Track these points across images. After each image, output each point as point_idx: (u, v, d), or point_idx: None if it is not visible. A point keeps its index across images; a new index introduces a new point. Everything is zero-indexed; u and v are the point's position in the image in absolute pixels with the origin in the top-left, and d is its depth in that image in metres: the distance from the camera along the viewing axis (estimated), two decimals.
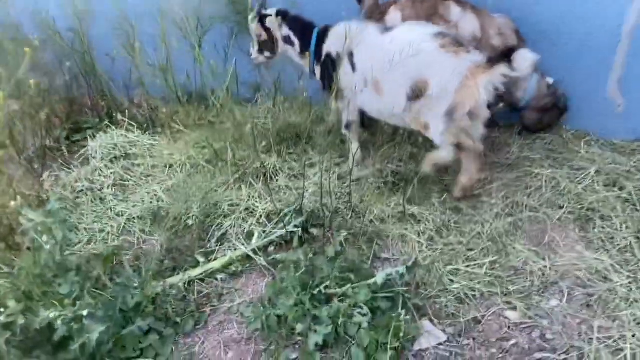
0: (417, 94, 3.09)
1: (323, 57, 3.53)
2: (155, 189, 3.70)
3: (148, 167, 3.92)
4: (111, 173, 3.85)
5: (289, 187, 3.56)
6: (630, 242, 3.05)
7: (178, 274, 3.04)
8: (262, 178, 3.55)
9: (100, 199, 3.69)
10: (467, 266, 2.98)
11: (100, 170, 3.87)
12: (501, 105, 3.57)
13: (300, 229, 3.16)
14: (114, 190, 3.75)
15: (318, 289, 2.74)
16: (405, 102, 3.16)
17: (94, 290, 2.68)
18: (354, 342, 2.55)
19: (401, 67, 3.01)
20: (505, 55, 2.86)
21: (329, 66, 3.44)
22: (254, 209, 3.38)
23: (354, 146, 3.66)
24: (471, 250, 3.08)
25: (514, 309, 2.76)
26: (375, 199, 3.39)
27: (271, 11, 3.68)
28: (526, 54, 2.82)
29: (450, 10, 3.46)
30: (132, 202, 3.63)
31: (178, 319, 2.79)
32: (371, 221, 3.27)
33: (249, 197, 3.46)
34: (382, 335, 2.53)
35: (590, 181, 3.46)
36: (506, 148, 3.89)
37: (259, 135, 3.63)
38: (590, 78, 3.82)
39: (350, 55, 3.37)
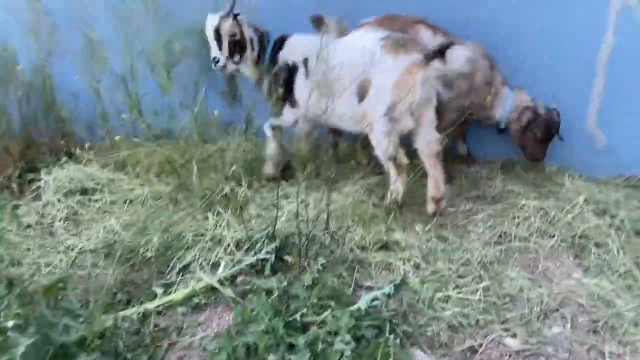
0: (363, 94, 3.18)
1: (278, 66, 3.47)
2: (111, 224, 3.35)
3: (106, 203, 3.59)
4: (64, 207, 3.50)
5: (260, 216, 3.27)
6: (630, 268, 2.85)
7: (133, 307, 2.65)
8: (230, 206, 3.25)
9: (50, 233, 3.33)
10: (459, 292, 2.69)
11: (53, 204, 3.52)
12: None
13: (272, 255, 2.85)
14: (66, 224, 3.39)
15: (293, 317, 2.40)
16: (357, 103, 3.22)
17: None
18: None
19: (352, 70, 3.02)
20: (441, 53, 3.03)
21: (283, 75, 3.40)
22: (221, 238, 3.06)
23: (270, 147, 3.69)
24: (461, 277, 2.81)
25: (514, 336, 2.46)
26: (356, 226, 3.12)
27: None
28: (459, 51, 3.20)
29: (419, 33, 3.42)
30: (86, 236, 3.26)
31: (129, 355, 2.38)
32: (351, 249, 2.98)
33: (216, 225, 3.15)
34: None
35: (580, 210, 3.29)
36: (489, 182, 3.73)
37: (227, 165, 3.38)
38: (570, 112, 3.75)
39: (305, 61, 3.39)
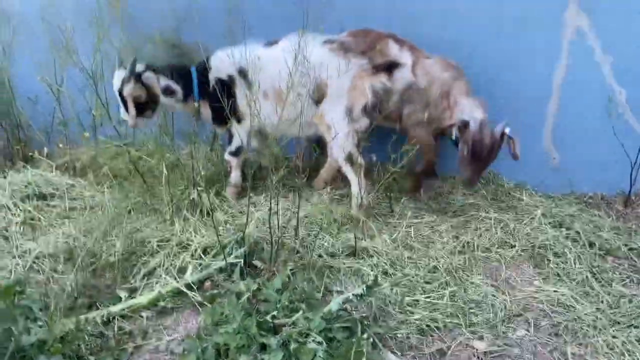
0: (319, 97, 3.27)
1: (212, 86, 3.36)
2: (71, 230, 3.24)
3: (65, 208, 3.47)
4: (20, 212, 3.35)
5: (228, 222, 3.24)
6: (587, 276, 2.98)
7: (95, 310, 2.56)
8: (198, 211, 3.21)
9: (4, 237, 3.17)
10: (427, 297, 2.74)
11: (8, 208, 3.36)
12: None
13: (241, 260, 2.82)
14: (22, 228, 3.25)
15: (264, 319, 2.37)
16: (312, 106, 3.29)
17: None
18: None
19: (304, 76, 3.02)
20: (388, 68, 3.30)
21: (222, 91, 3.19)
22: (188, 244, 3.01)
23: (235, 175, 3.61)
24: (428, 283, 2.86)
25: (481, 338, 2.51)
26: (325, 233, 3.14)
27: (140, 67, 3.39)
28: (404, 72, 3.38)
29: (388, 46, 3.51)
30: (44, 241, 3.13)
31: (92, 358, 2.29)
32: (320, 255, 2.99)
33: (183, 231, 3.09)
34: None
35: (538, 223, 3.43)
36: (450, 196, 3.82)
37: (195, 171, 3.33)
38: (525, 131, 3.89)
39: (241, 72, 3.36)
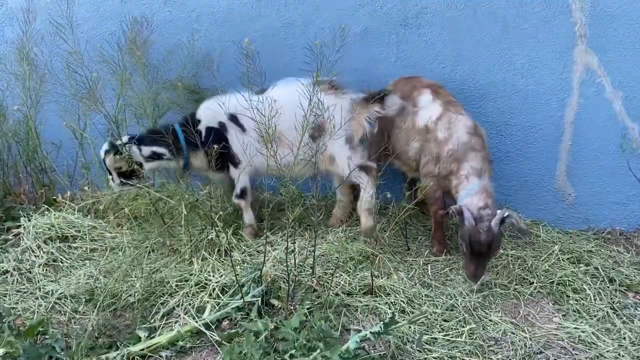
0: (318, 132, 3.43)
1: (204, 136, 3.47)
2: (92, 271, 3.31)
3: (87, 250, 3.54)
4: (44, 253, 3.43)
5: (245, 261, 3.27)
6: (608, 312, 2.94)
7: (116, 350, 2.59)
8: (216, 251, 3.25)
9: (28, 279, 3.25)
10: (445, 335, 2.72)
11: (32, 250, 3.45)
12: None
13: (259, 299, 2.84)
14: (45, 270, 3.32)
15: (282, 358, 2.38)
16: (311, 144, 3.40)
17: None
18: None
19: (298, 116, 3.04)
20: (380, 98, 3.47)
21: (214, 140, 3.32)
22: (206, 283, 3.04)
23: (248, 216, 3.66)
24: (447, 321, 2.85)
25: None
26: (342, 271, 3.15)
27: (124, 139, 3.49)
28: (394, 99, 3.50)
29: (420, 96, 3.53)
30: (65, 282, 3.20)
31: None
32: (337, 294, 3.00)
33: (201, 270, 3.13)
34: None
35: (556, 259, 3.41)
36: None
37: (213, 211, 3.40)
38: (539, 168, 3.96)
39: (233, 118, 3.49)
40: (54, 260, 3.44)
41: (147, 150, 3.53)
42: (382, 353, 2.55)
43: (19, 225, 3.71)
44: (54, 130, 4.23)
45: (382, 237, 3.35)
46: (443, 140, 3.37)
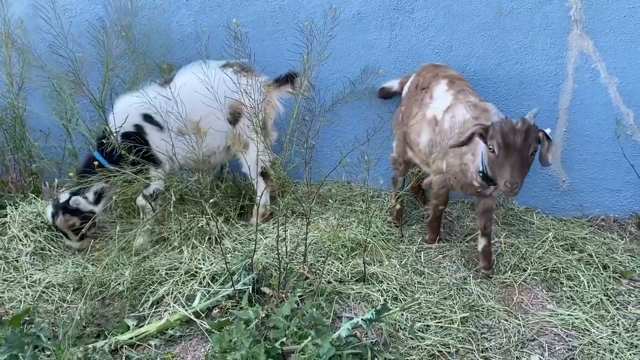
0: (235, 117, 3.48)
1: (122, 144, 3.20)
2: (80, 259, 3.26)
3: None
4: (31, 241, 3.38)
5: (236, 250, 3.23)
6: (601, 299, 2.92)
7: (104, 339, 2.54)
8: (206, 239, 3.21)
9: (15, 267, 3.19)
10: (438, 322, 2.69)
11: (19, 238, 3.39)
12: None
13: (250, 287, 2.80)
14: (32, 259, 3.27)
15: (273, 345, 2.34)
16: (229, 129, 3.50)
17: None
18: None
19: (213, 102, 3.07)
20: (288, 79, 3.56)
21: (137, 142, 3.22)
22: (196, 271, 3.00)
23: (148, 216, 3.41)
24: (439, 308, 2.81)
25: None
26: (334, 259, 3.12)
27: (64, 196, 3.36)
28: (298, 80, 3.46)
29: (437, 86, 3.34)
30: (53, 271, 3.15)
31: None
32: (329, 282, 2.96)
33: (191, 259, 3.09)
34: None
35: (550, 246, 3.38)
36: (459, 222, 3.79)
37: (204, 199, 3.35)
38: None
39: (147, 117, 3.35)
40: (42, 249, 3.39)
41: (90, 195, 3.37)
42: (374, 340, 2.53)
43: (6, 214, 3.64)
44: (41, 118, 4.15)
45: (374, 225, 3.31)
46: (448, 129, 3.12)
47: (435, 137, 3.22)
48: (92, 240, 3.36)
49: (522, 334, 2.68)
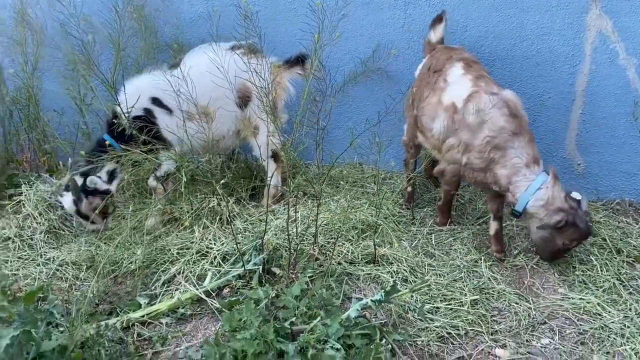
0: (245, 100, 3.44)
1: (133, 125, 3.18)
2: (93, 238, 3.30)
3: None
4: (45, 221, 3.42)
5: (247, 230, 3.24)
6: (614, 283, 2.89)
7: (116, 317, 2.58)
8: (217, 219, 3.22)
9: (30, 246, 3.24)
10: (448, 304, 2.69)
11: (33, 217, 3.43)
12: None
13: (260, 267, 2.81)
14: (46, 237, 3.31)
15: (282, 325, 2.36)
16: (239, 113, 3.47)
17: None
18: None
19: (221, 83, 3.03)
20: (299, 61, 3.51)
21: (144, 128, 3.19)
22: (207, 251, 3.02)
23: (160, 197, 3.41)
24: (450, 290, 2.81)
25: (504, 347, 2.45)
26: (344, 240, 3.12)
27: (79, 180, 3.32)
28: (309, 62, 3.39)
29: (452, 69, 3.23)
30: (67, 250, 3.19)
31: None
32: (339, 263, 2.96)
33: (203, 239, 3.10)
34: None
35: None
36: (471, 204, 3.76)
37: (215, 179, 3.35)
38: (549, 137, 3.86)
39: (156, 101, 3.33)
40: (56, 228, 3.43)
41: (104, 174, 3.38)
42: (383, 321, 2.53)
43: (21, 193, 3.68)
44: (55, 98, 4.17)
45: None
46: (475, 125, 2.97)
47: (452, 126, 3.11)
48: (111, 218, 3.41)
49: (533, 317, 2.66)
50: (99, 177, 3.36)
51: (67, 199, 3.36)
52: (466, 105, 3.03)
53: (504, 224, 3.25)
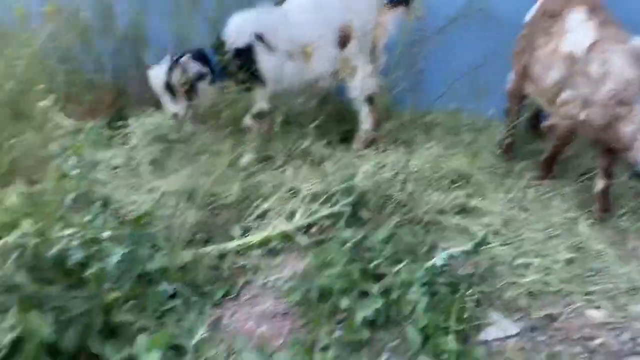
0: (344, 39, 3.31)
1: (232, 57, 3.28)
2: (194, 172, 3.48)
3: (189, 153, 3.70)
4: (150, 152, 3.64)
5: (336, 173, 3.27)
6: None
7: (212, 245, 2.75)
8: (309, 160, 3.28)
9: (136, 175, 3.48)
10: (542, 261, 2.60)
11: (139, 148, 3.67)
12: None
13: (348, 209, 2.85)
14: (151, 168, 3.54)
15: (367, 266, 2.40)
16: (337, 53, 3.36)
17: None
18: (408, 321, 2.17)
19: (323, 22, 3.00)
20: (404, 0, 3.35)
21: (243, 61, 3.28)
22: (298, 190, 3.10)
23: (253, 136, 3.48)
24: (544, 246, 2.70)
25: (598, 308, 2.34)
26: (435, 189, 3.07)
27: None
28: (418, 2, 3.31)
29: (573, 14, 2.95)
30: (170, 181, 3.39)
31: (207, 288, 2.47)
32: (427, 212, 2.93)
33: (294, 178, 3.18)
34: (442, 318, 2.15)
35: None
36: (576, 159, 3.53)
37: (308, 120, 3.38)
38: None
39: (260, 37, 3.28)
40: (160, 159, 3.64)
41: (194, 66, 3.38)
42: (470, 273, 2.49)
43: (128, 125, 3.93)
44: (160, 35, 4.33)
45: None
46: (598, 77, 2.74)
47: (570, 77, 2.88)
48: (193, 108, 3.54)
49: (633, 281, 2.51)
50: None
51: (161, 69, 3.46)
52: (588, 55, 2.78)
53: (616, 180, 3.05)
